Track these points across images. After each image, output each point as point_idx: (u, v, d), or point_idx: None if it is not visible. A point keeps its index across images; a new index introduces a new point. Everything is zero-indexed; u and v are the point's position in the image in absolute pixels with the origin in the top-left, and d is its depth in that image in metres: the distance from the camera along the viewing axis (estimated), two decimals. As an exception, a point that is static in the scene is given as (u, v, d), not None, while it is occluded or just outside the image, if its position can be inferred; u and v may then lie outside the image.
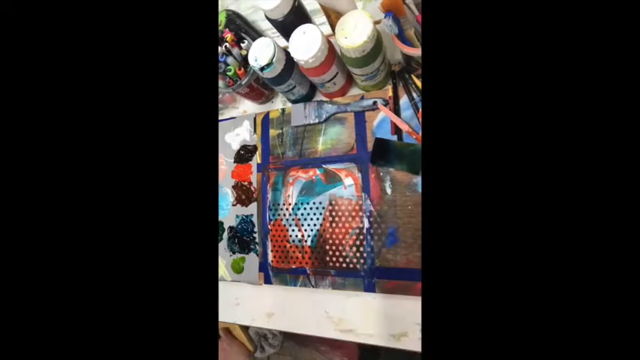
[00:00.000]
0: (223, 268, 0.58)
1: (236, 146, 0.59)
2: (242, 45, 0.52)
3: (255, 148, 0.57)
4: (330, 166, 0.51)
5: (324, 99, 0.53)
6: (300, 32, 0.42)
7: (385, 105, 0.48)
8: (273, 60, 0.44)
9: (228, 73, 0.51)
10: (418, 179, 0.45)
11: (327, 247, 0.50)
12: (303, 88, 0.51)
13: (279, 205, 0.54)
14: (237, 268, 0.56)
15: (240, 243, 0.57)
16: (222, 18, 0.57)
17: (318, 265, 0.50)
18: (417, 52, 0.39)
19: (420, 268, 0.43)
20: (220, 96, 0.58)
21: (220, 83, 0.54)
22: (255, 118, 0.58)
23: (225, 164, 0.60)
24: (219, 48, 0.52)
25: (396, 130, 0.46)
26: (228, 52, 0.52)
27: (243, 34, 0.54)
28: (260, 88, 0.55)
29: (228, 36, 0.52)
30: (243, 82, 0.51)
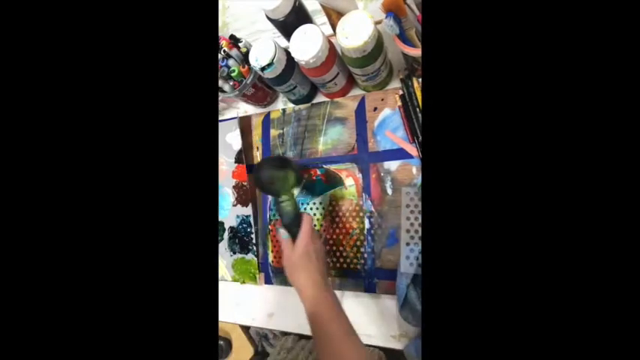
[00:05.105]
0: (224, 268, 0.58)
1: (237, 146, 0.59)
2: (239, 44, 0.52)
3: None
4: (331, 167, 0.51)
5: (326, 99, 0.53)
6: (301, 32, 0.42)
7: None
8: (274, 60, 0.44)
9: (233, 75, 0.51)
10: (418, 179, 0.44)
11: (328, 247, 0.49)
12: (304, 88, 0.51)
13: (279, 205, 0.54)
14: (238, 268, 0.56)
15: (241, 243, 0.57)
16: None
17: (318, 266, 0.50)
18: (417, 52, 0.39)
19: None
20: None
21: (226, 87, 0.53)
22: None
23: (226, 164, 0.60)
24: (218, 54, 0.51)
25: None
26: (228, 55, 0.52)
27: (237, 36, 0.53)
28: (265, 88, 0.55)
29: (224, 42, 0.52)
30: (248, 81, 0.51)
